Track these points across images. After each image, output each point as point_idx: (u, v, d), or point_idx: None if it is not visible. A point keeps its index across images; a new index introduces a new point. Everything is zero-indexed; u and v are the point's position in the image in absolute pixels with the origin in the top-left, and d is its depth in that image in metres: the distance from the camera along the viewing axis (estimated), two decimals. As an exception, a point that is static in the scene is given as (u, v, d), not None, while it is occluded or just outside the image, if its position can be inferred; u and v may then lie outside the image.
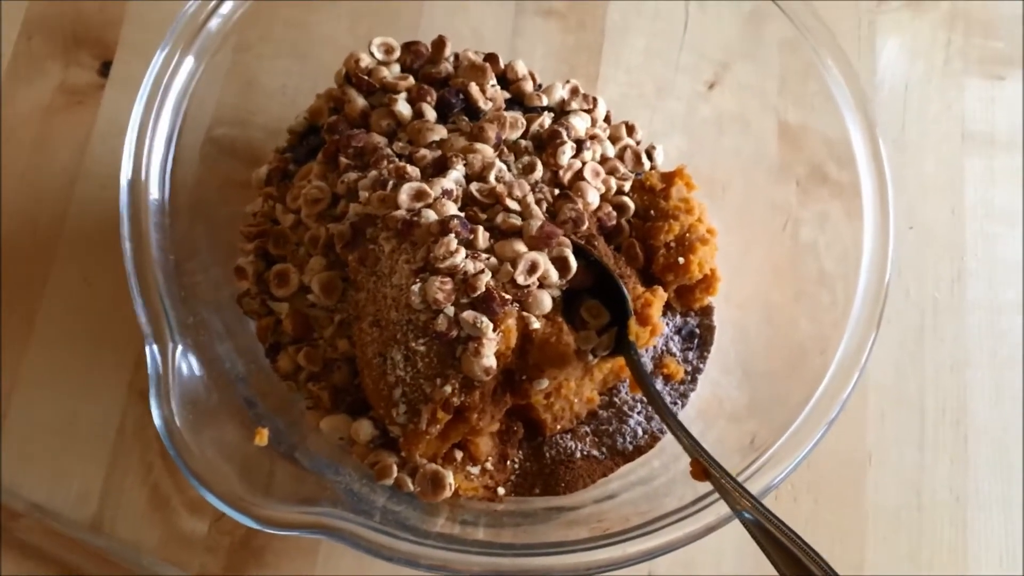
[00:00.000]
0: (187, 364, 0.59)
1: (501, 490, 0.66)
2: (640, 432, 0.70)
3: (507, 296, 0.60)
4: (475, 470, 0.66)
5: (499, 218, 0.63)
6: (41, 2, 0.86)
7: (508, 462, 0.67)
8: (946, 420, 0.80)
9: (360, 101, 0.70)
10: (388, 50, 0.73)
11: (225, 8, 0.69)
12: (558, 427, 0.69)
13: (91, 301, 0.77)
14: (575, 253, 0.63)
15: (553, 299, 0.62)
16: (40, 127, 0.83)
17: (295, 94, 0.78)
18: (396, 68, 0.73)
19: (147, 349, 0.58)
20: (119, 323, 0.75)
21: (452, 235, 0.59)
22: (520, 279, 0.60)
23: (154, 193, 0.63)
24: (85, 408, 0.74)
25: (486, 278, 0.59)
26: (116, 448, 0.73)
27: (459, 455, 0.65)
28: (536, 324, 0.61)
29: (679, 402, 0.71)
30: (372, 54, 0.73)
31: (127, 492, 0.73)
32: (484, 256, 0.61)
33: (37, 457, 0.73)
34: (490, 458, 0.66)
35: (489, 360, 0.58)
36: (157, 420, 0.56)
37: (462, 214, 0.62)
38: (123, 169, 0.63)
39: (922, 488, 0.77)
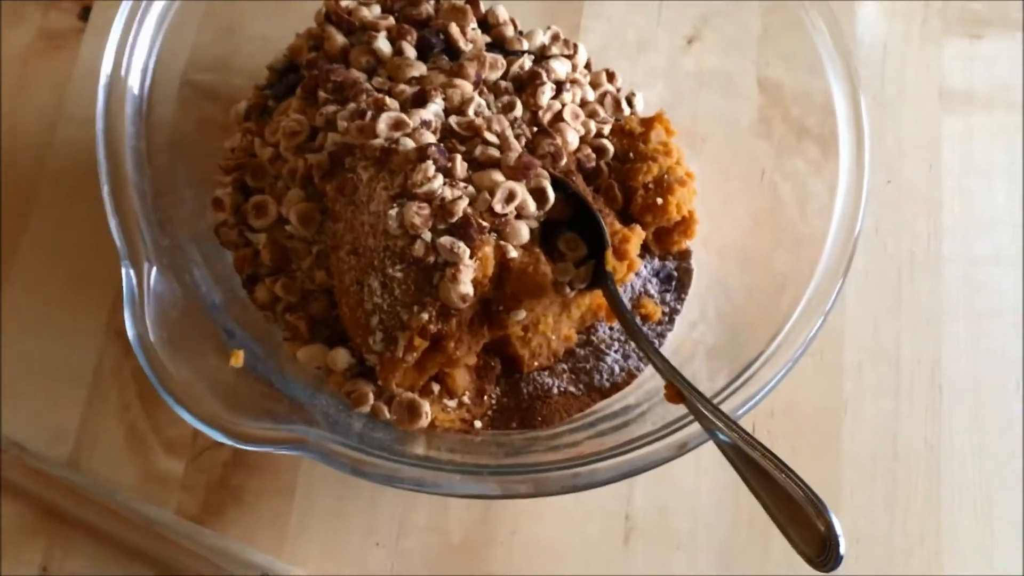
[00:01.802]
0: (163, 285, 0.58)
1: (478, 423, 0.66)
2: (617, 369, 0.70)
3: (484, 224, 0.60)
4: (452, 403, 0.66)
5: (477, 150, 0.63)
6: (21, -53, 0.86)
7: (485, 397, 0.67)
8: (922, 371, 0.80)
9: (340, 39, 0.70)
10: (369, -10, 0.73)
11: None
12: (535, 364, 0.69)
13: (70, 243, 0.77)
14: (553, 186, 0.63)
15: (531, 230, 0.62)
16: (20, 71, 0.82)
17: (277, 41, 0.78)
18: (377, 9, 0.73)
19: (123, 269, 0.57)
20: (98, 265, 0.75)
21: (430, 161, 0.59)
22: (498, 207, 0.60)
23: (130, 108, 0.63)
24: (63, 349, 0.74)
25: (463, 204, 0.59)
26: (93, 388, 0.73)
27: (436, 388, 0.65)
28: (513, 253, 0.61)
29: (656, 341, 0.72)
30: (353, -7, 0.73)
31: (104, 432, 0.72)
32: (462, 185, 0.61)
33: (15, 395, 0.73)
34: (467, 392, 0.66)
35: (466, 287, 0.58)
36: (131, 336, 0.55)
37: (440, 144, 0.63)
38: (103, 67, 0.63)
39: (897, 437, 0.78)
